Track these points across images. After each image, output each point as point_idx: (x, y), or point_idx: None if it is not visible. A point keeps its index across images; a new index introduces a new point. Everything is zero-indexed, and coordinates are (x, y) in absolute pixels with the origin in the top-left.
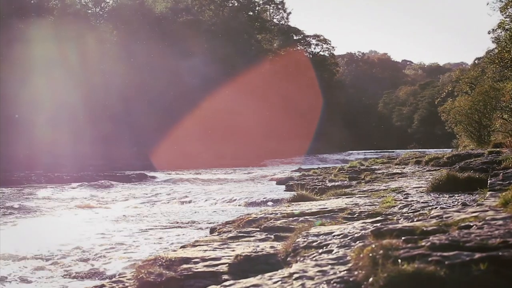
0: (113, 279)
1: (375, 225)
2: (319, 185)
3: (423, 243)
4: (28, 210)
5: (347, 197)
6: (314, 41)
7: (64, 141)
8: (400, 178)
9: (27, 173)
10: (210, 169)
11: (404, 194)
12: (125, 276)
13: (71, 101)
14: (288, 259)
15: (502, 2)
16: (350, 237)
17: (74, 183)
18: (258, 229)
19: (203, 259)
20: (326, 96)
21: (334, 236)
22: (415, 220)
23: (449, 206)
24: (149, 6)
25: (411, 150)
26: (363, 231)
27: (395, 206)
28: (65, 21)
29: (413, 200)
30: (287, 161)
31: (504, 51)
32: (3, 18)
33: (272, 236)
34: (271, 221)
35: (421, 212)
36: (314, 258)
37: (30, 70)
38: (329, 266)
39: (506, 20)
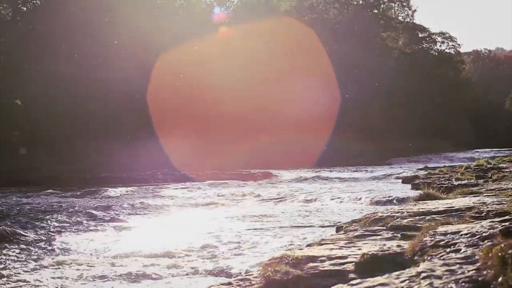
0: (240, 277)
1: (503, 224)
2: (445, 184)
3: None
4: (155, 208)
5: (474, 196)
6: (439, 39)
7: (191, 140)
8: None
9: (153, 171)
10: (334, 168)
11: None
12: (252, 274)
13: (195, 100)
14: (415, 258)
15: None
16: (478, 236)
17: (199, 181)
18: (385, 227)
19: (330, 258)
20: (452, 94)
21: (461, 235)
22: None
23: None
24: (275, 5)
25: None
26: (491, 230)
27: None
28: (190, 20)
29: None
30: (412, 159)
31: None
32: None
33: (399, 235)
34: (397, 219)
35: None
36: (441, 257)
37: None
38: (457, 265)
39: None
